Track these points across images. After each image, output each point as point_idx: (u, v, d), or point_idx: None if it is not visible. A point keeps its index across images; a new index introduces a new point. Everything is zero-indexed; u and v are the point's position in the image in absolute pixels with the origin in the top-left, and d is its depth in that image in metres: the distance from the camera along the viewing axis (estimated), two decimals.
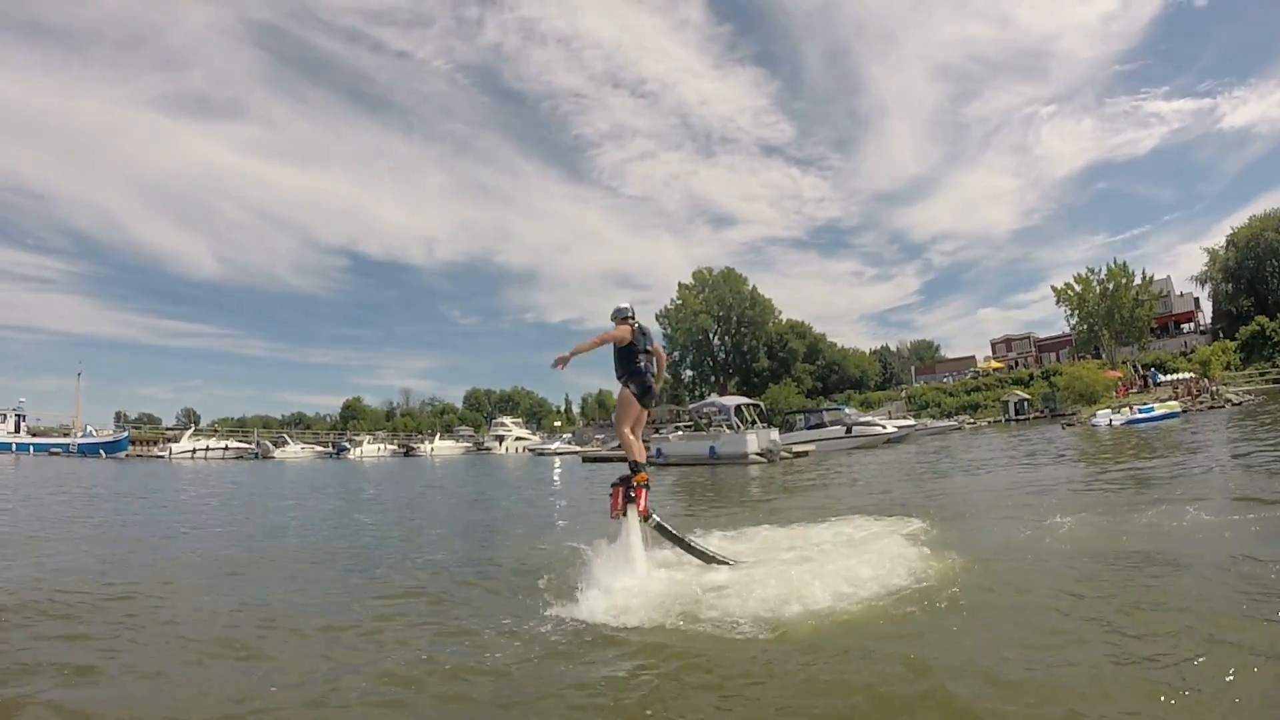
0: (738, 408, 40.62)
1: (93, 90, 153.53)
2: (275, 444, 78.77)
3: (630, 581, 7.37)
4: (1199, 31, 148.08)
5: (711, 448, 38.76)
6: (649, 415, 9.13)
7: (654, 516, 8.46)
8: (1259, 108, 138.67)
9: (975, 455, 28.82)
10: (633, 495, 8.33)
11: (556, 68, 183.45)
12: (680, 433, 44.38)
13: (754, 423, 40.37)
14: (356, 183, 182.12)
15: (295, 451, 76.57)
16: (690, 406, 56.33)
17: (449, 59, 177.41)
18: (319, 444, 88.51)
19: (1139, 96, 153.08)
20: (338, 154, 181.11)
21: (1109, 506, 10.88)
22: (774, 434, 39.83)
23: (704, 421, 43.34)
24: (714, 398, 50.15)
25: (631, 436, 8.62)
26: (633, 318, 8.80)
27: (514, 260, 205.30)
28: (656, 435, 45.88)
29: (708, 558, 8.30)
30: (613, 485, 8.48)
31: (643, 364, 8.66)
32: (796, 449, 40.62)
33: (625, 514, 8.28)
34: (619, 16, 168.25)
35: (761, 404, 45.76)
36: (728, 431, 39.17)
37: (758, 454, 36.93)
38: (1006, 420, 65.16)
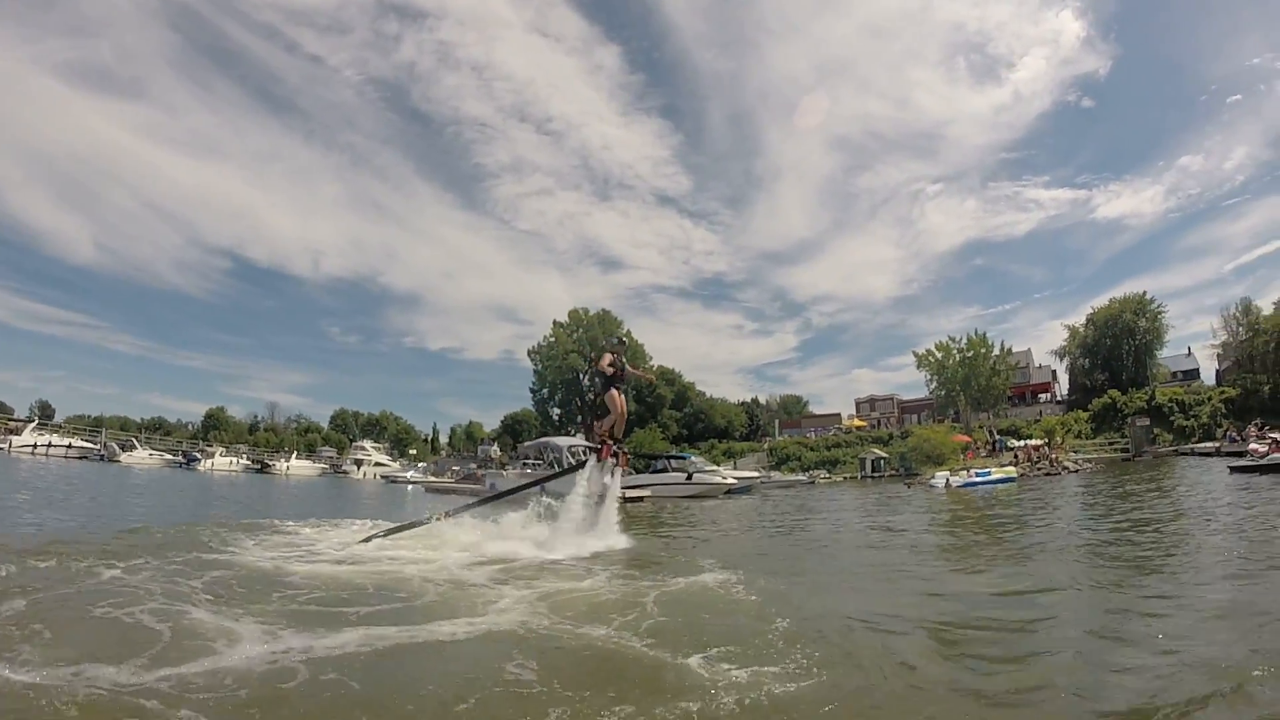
0: (571, 448, 39.34)
1: None
2: (123, 447, 73.62)
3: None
4: (1083, 129, 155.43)
5: (543, 487, 37.36)
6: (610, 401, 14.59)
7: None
8: (1131, 202, 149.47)
9: (787, 510, 28.59)
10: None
11: (466, 94, 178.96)
12: (514, 469, 42.85)
13: None
14: (249, 183, 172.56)
15: (143, 457, 71.62)
16: (525, 444, 54.78)
17: (361, 70, 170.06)
18: (169, 452, 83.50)
19: (1021, 183, 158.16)
20: (235, 150, 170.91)
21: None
22: (606, 477, 38.57)
23: (538, 461, 41.97)
24: (549, 438, 48.72)
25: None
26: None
27: (399, 282, 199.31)
28: (490, 471, 44.69)
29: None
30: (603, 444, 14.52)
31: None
32: (631, 494, 39.44)
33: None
34: (535, 53, 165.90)
35: (598, 447, 44.57)
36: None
37: (586, 496, 35.62)
38: (863, 477, 65.23)
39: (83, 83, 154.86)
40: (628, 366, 14.90)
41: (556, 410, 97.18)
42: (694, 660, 5.62)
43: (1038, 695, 5.11)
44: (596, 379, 15.02)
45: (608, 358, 14.47)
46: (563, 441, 40.97)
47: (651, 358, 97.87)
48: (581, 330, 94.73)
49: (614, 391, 14.30)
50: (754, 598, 8.25)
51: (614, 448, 14.69)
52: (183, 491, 34.94)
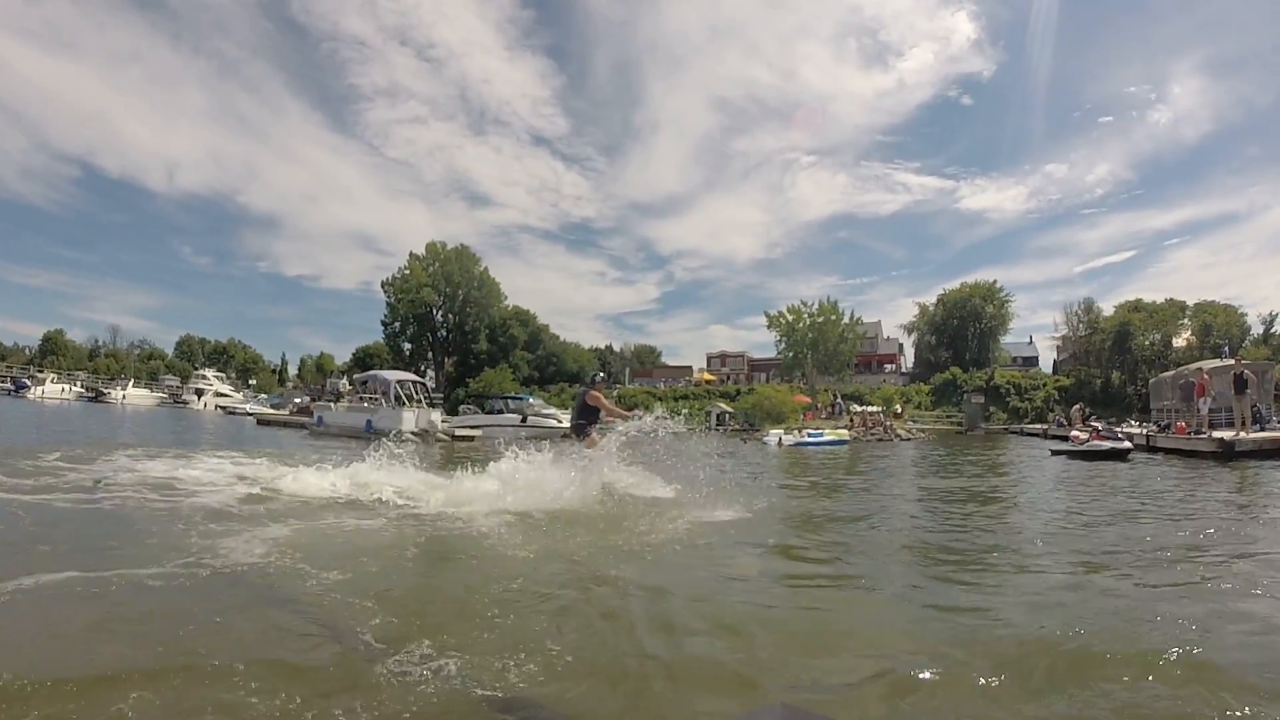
0: (400, 383, 38.15)
1: None
2: None
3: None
4: (958, 124, 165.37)
5: (369, 421, 36.46)
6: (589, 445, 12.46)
7: None
8: (994, 199, 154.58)
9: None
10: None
11: (348, 10, 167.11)
12: (344, 403, 41.30)
13: (419, 401, 38.08)
14: (108, 85, 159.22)
15: None
16: (355, 377, 53.08)
17: None
18: None
19: (892, 165, 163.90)
20: (94, 47, 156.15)
21: None
22: (435, 414, 37.90)
23: (361, 394, 40.66)
24: (377, 372, 47.21)
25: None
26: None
27: (258, 202, 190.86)
28: (320, 403, 43.40)
29: None
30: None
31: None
32: (461, 432, 38.84)
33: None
34: None
35: (427, 382, 43.79)
36: (385, 406, 36.75)
37: (413, 433, 34.76)
38: (706, 430, 65.73)
39: None
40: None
41: (408, 345, 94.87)
42: (415, 642, 4.39)
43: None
44: (578, 417, 13.33)
45: (599, 397, 13.10)
46: (390, 375, 39.53)
47: (507, 297, 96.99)
48: (437, 264, 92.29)
49: (594, 435, 12.76)
50: (526, 549, 7.51)
51: None
52: None
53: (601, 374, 13.51)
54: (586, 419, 13.05)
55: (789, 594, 6.19)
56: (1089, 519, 10.89)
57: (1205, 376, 29.65)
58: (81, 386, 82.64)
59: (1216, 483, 16.37)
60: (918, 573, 7.13)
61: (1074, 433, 31.72)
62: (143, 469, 12.68)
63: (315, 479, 11.58)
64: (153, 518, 8.24)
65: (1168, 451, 27.26)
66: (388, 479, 11.58)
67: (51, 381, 78.15)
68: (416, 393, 38.75)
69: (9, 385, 74.86)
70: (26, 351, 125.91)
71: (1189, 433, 27.73)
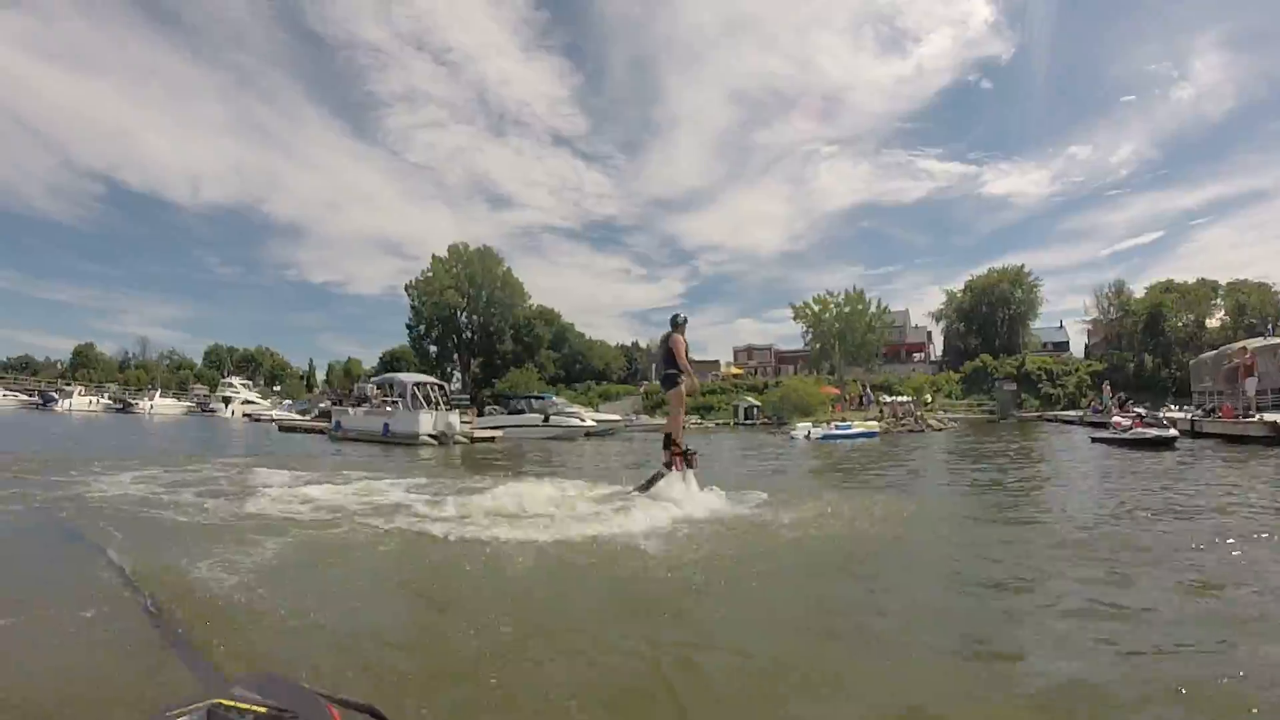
0: (418, 385, 37.52)
1: None
2: None
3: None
4: (979, 108, 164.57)
5: (386, 425, 36.00)
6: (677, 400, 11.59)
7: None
8: (1018, 182, 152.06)
9: (622, 452, 27.45)
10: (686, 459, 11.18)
11: (364, 17, 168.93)
12: (363, 407, 40.69)
13: (437, 404, 37.44)
14: (129, 102, 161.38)
15: None
16: (372, 379, 52.44)
17: None
18: (25, 392, 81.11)
19: (914, 152, 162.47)
20: (114, 65, 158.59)
21: None
22: (453, 416, 37.11)
23: (385, 398, 39.98)
24: (395, 374, 46.63)
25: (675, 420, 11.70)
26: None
27: (281, 211, 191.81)
28: (338, 407, 43.02)
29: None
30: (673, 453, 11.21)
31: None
32: (480, 434, 38.26)
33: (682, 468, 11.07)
34: None
35: (445, 384, 43.35)
36: (402, 409, 36.17)
37: (431, 435, 34.38)
38: (735, 424, 64.95)
39: None
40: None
41: (433, 347, 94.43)
42: None
43: None
44: (665, 366, 11.51)
45: (682, 341, 11.31)
46: (408, 378, 38.95)
47: (531, 296, 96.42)
48: (460, 266, 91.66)
49: (681, 389, 11.34)
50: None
51: (683, 451, 11.25)
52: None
53: (685, 316, 11.35)
54: (675, 368, 11.32)
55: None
56: None
57: (1250, 356, 28.42)
58: (109, 398, 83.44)
59: None
60: None
61: (1115, 419, 30.54)
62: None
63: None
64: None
65: (1214, 436, 26.18)
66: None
67: (80, 394, 79.04)
68: (435, 395, 38.13)
69: (38, 399, 75.37)
70: (59, 365, 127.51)
71: (1236, 416, 26.55)
